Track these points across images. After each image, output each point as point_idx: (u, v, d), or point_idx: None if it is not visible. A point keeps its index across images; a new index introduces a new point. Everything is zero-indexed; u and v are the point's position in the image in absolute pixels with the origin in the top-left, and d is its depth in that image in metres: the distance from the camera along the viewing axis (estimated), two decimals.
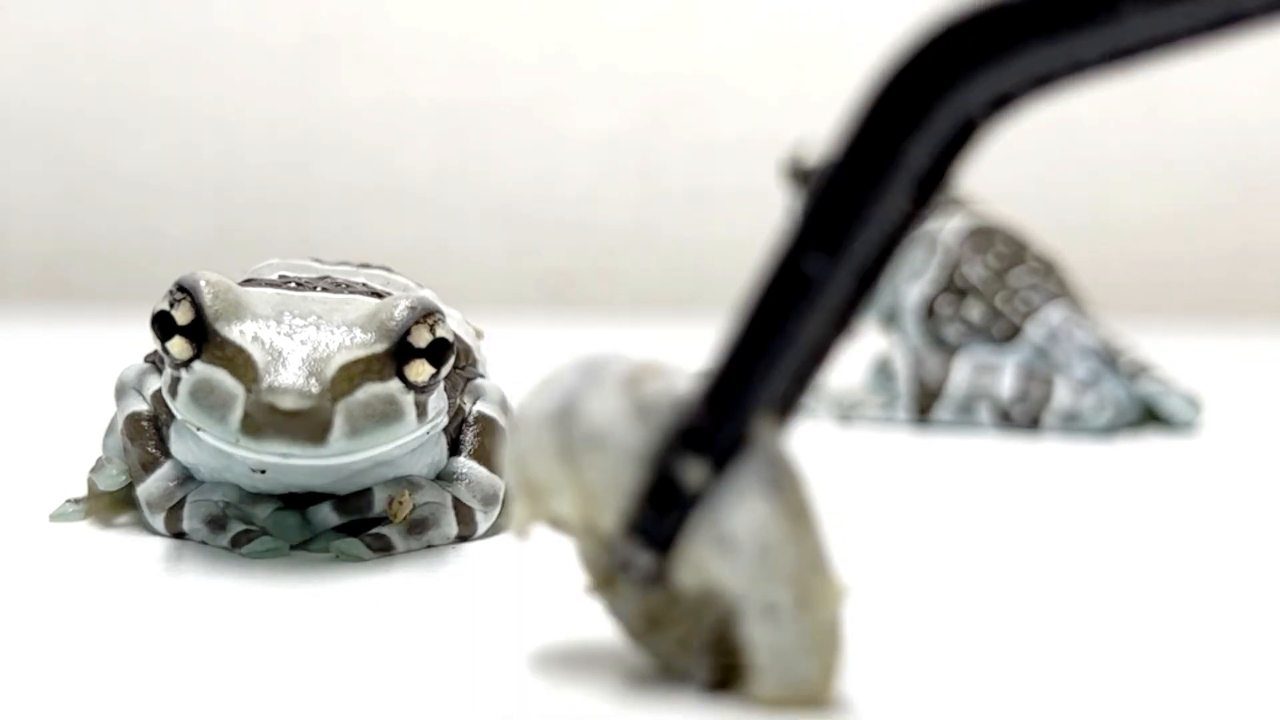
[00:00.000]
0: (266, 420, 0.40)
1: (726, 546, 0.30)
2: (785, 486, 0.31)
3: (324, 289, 0.46)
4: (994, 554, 0.49)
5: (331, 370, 0.41)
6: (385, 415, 0.42)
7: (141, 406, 0.48)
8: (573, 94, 1.80)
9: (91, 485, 0.50)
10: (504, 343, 0.55)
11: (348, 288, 0.46)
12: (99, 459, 0.50)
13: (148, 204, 1.80)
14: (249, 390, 0.41)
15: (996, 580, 0.45)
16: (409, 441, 0.45)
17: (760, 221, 1.43)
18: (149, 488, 0.47)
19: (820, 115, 1.73)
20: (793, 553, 0.31)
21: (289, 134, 1.81)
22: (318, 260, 0.52)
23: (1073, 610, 0.42)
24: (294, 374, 0.41)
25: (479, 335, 0.53)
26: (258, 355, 0.42)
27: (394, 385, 0.43)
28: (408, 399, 0.43)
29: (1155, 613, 0.42)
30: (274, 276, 0.48)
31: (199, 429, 0.42)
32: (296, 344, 0.42)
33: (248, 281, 0.46)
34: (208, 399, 0.42)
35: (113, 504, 0.50)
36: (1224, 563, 0.49)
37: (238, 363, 0.42)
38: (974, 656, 0.37)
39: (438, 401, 0.45)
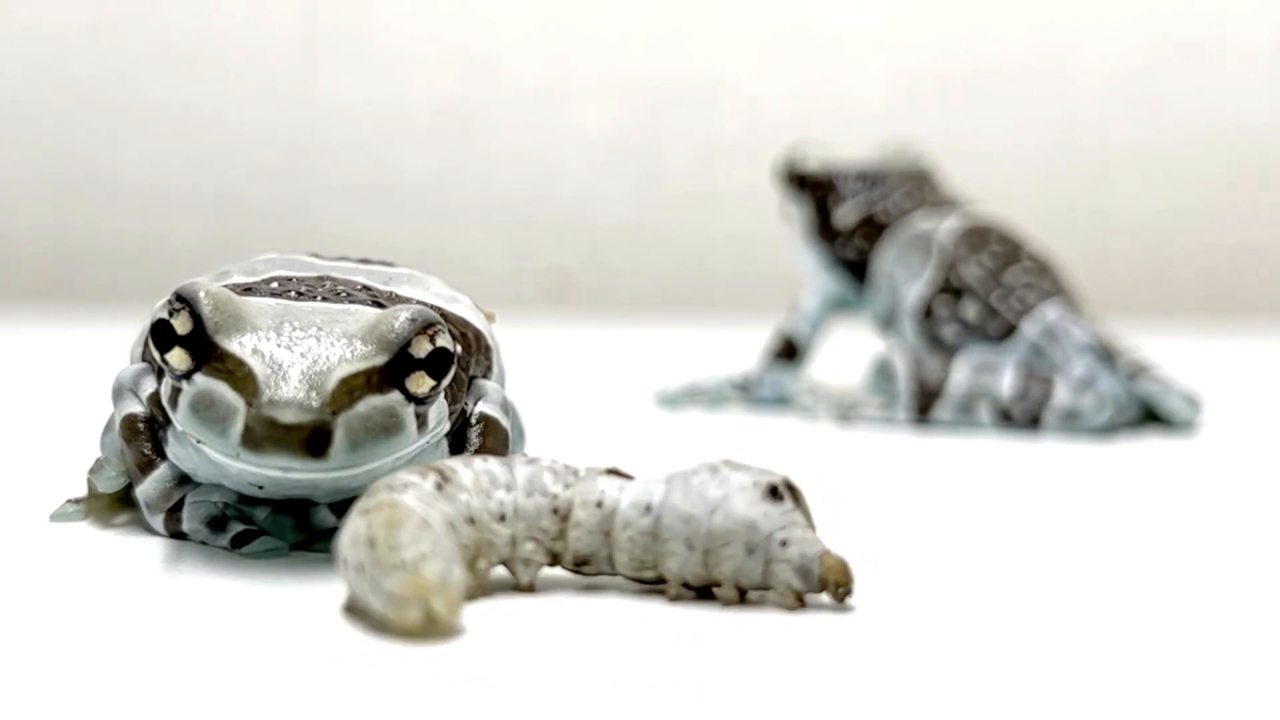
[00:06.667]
0: (266, 434, 0.40)
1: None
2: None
3: (324, 297, 0.46)
4: (995, 554, 0.49)
5: (332, 383, 0.41)
6: (385, 428, 0.42)
7: (138, 409, 0.48)
8: (573, 94, 1.80)
9: (91, 486, 0.50)
10: (504, 343, 0.55)
11: (349, 296, 0.46)
12: (97, 459, 0.50)
13: (148, 204, 1.79)
14: (249, 404, 0.41)
15: (997, 580, 0.46)
16: (409, 453, 0.44)
17: (760, 221, 1.43)
18: (147, 489, 0.47)
19: (820, 115, 1.73)
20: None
21: (288, 134, 1.81)
22: (316, 256, 0.52)
23: (1073, 610, 0.42)
24: (294, 388, 0.41)
25: (490, 319, 0.53)
26: (258, 369, 0.42)
27: (394, 398, 0.43)
28: (408, 411, 0.43)
29: (1155, 613, 0.42)
30: (273, 274, 0.48)
31: (199, 441, 0.42)
32: (297, 357, 0.42)
33: (247, 290, 0.46)
34: (208, 412, 0.42)
35: (112, 504, 0.50)
36: (1224, 563, 0.49)
37: (238, 376, 0.42)
38: (974, 656, 0.37)
39: (438, 412, 0.45)
